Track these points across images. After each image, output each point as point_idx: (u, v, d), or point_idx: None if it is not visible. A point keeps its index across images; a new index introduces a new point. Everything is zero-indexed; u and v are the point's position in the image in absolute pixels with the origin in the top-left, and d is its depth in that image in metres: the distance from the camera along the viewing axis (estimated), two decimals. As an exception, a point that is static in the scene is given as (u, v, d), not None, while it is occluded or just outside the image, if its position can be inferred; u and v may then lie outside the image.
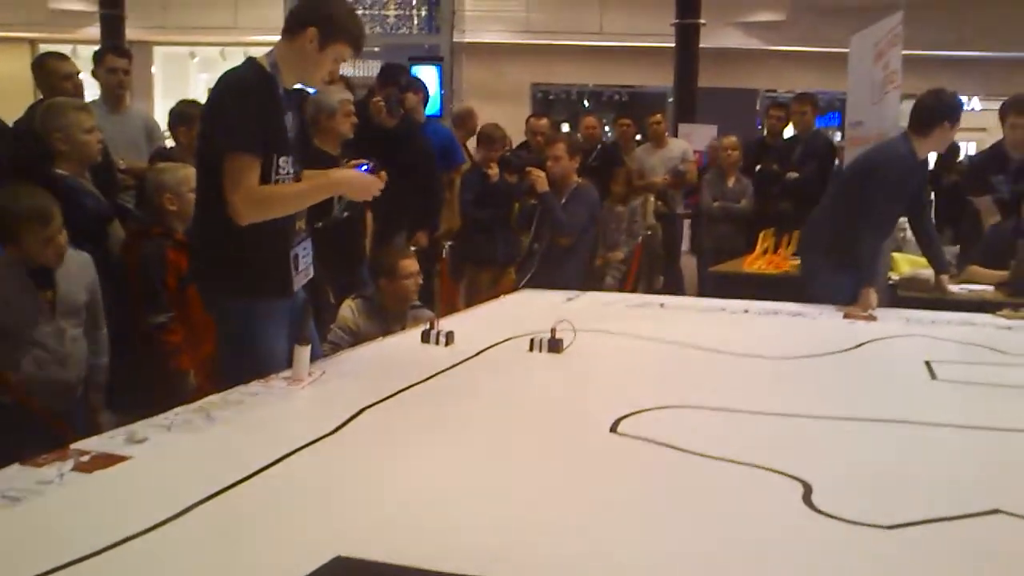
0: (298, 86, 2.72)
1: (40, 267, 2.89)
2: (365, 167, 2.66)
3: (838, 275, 3.89)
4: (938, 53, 12.81)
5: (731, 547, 1.43)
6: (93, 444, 1.82)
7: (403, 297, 3.68)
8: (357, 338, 3.48)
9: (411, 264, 3.71)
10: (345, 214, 3.83)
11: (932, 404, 2.41)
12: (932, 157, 4.48)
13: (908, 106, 4.93)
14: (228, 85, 2.52)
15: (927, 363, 2.78)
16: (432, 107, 7.07)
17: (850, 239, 3.86)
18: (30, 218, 2.83)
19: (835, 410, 2.25)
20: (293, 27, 2.54)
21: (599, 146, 7.32)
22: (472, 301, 5.04)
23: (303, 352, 2.35)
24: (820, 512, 1.57)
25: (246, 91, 2.48)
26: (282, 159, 2.54)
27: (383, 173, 2.67)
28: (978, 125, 13.75)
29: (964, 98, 17.59)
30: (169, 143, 4.79)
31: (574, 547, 1.42)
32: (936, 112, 3.92)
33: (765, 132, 7.32)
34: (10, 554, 1.34)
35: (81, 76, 4.42)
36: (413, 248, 4.64)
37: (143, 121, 4.88)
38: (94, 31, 11.81)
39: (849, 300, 3.75)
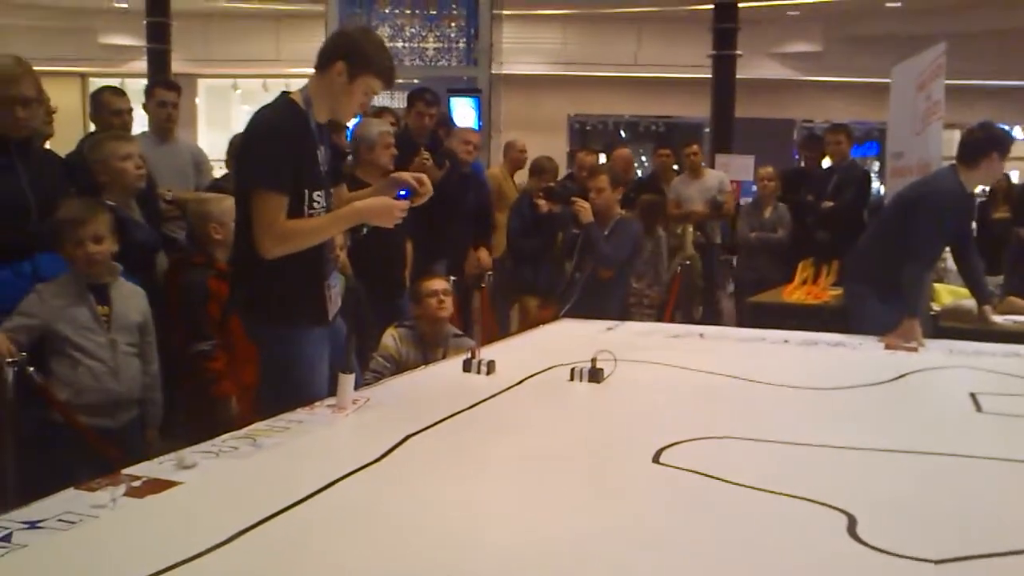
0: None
1: (98, 284, 3.03)
2: (404, 193, 2.67)
3: (883, 305, 3.89)
4: (979, 83, 12.73)
5: (776, 579, 1.43)
6: (144, 469, 1.86)
7: (431, 317, 3.66)
8: (399, 366, 3.51)
9: (434, 283, 3.72)
10: (364, 231, 3.86)
11: (978, 437, 2.38)
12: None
13: (949, 136, 4.90)
14: (260, 122, 2.58)
15: (972, 395, 2.74)
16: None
17: (896, 270, 3.84)
18: (66, 221, 2.99)
19: (879, 442, 2.23)
20: (323, 62, 2.60)
21: (635, 180, 7.38)
22: (522, 327, 5.10)
23: (347, 380, 2.38)
24: (866, 544, 1.55)
25: (277, 129, 2.54)
26: (316, 194, 2.59)
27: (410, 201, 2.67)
28: (1020, 154, 13.61)
29: (1006, 127, 17.43)
30: (219, 172, 4.91)
31: (618, 576, 1.42)
32: (984, 144, 3.91)
33: (802, 164, 7.32)
34: (68, 576, 1.38)
35: (131, 109, 4.54)
36: (453, 279, 4.69)
37: (191, 152, 4.98)
38: (141, 65, 12.10)
39: (893, 330, 3.73)
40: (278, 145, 2.51)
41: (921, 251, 3.89)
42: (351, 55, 2.56)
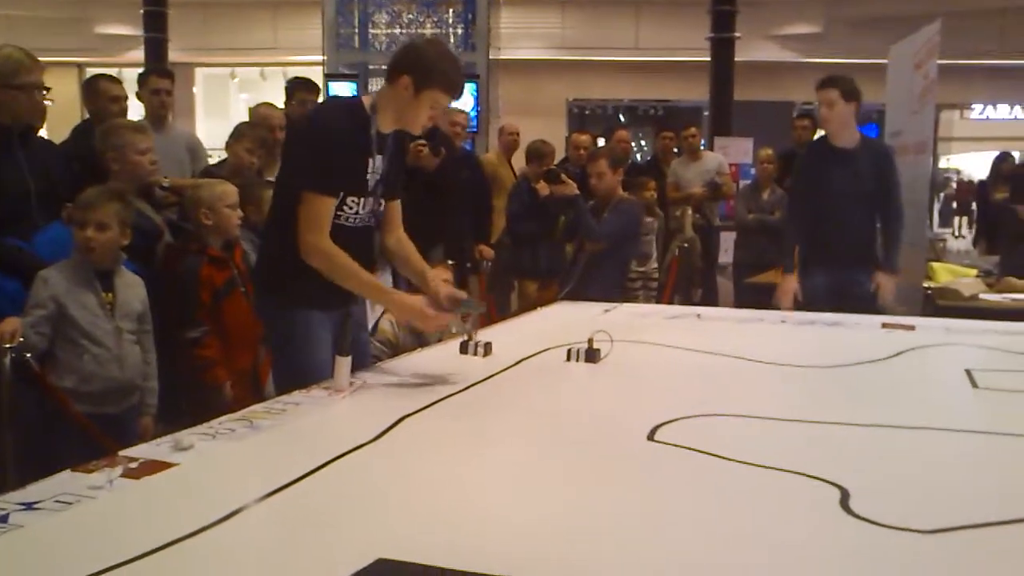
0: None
1: (102, 271, 3.07)
2: (466, 305, 2.57)
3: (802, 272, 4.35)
4: (977, 62, 12.68)
5: (768, 551, 1.44)
6: (141, 451, 1.87)
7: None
8: (397, 351, 3.52)
9: (435, 271, 3.71)
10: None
11: (972, 412, 2.39)
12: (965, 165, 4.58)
13: (946, 116, 4.89)
14: (326, 122, 2.59)
15: (968, 372, 2.75)
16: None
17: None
18: (76, 203, 3.06)
19: (873, 417, 2.24)
20: (391, 74, 2.59)
21: (629, 162, 7.41)
22: (521, 310, 5.13)
23: (343, 362, 2.39)
24: (858, 517, 1.56)
25: (341, 134, 2.54)
26: (350, 199, 2.59)
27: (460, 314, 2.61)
28: (1020, 134, 13.59)
29: (1005, 106, 17.43)
30: (216, 158, 4.91)
31: (610, 552, 1.43)
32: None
33: (795, 143, 7.33)
34: (63, 555, 1.39)
35: (127, 97, 4.53)
36: (451, 263, 4.70)
37: (186, 140, 4.97)
38: (138, 54, 12.08)
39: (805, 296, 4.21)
40: (338, 150, 2.53)
41: (789, 208, 4.52)
42: (416, 69, 2.54)
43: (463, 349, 2.87)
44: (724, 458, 1.88)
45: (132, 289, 3.18)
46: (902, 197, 4.37)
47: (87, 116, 4.47)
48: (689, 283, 6.55)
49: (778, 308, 4.03)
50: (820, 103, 4.29)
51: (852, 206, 4.24)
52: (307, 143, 2.59)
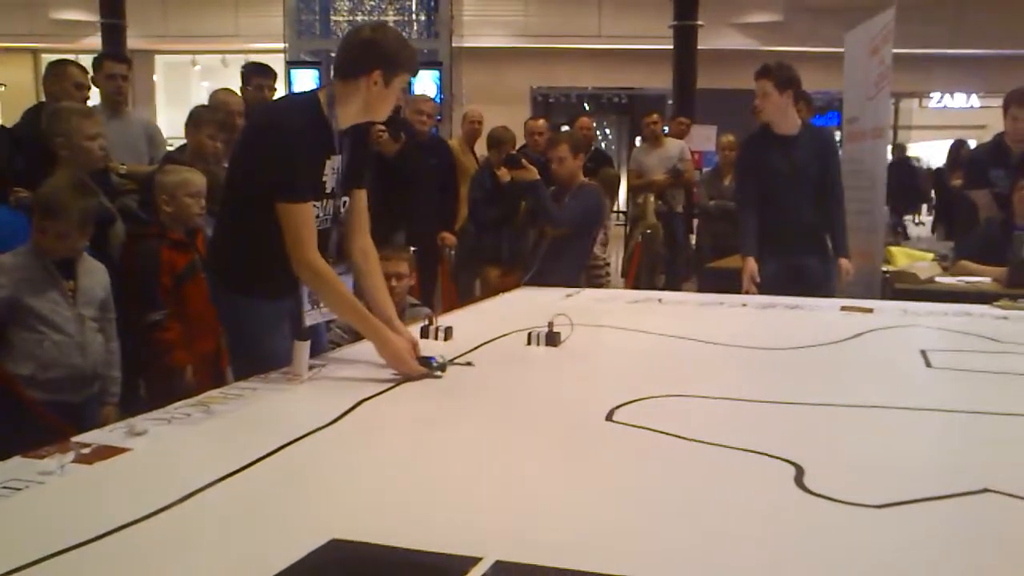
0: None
1: (63, 258, 3.01)
2: (432, 360, 2.46)
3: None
4: (935, 51, 12.84)
5: (724, 527, 1.45)
6: (94, 437, 1.85)
7: None
8: (357, 336, 3.50)
9: (392, 265, 3.60)
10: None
11: (926, 390, 2.42)
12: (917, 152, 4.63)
13: (905, 105, 4.96)
14: (283, 125, 2.50)
15: (922, 352, 2.79)
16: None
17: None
18: (39, 202, 2.99)
19: (829, 397, 2.26)
20: (354, 71, 2.51)
21: (592, 148, 7.44)
22: (484, 297, 5.12)
23: (302, 347, 2.37)
24: (812, 493, 1.58)
25: (303, 135, 2.47)
26: (315, 204, 2.53)
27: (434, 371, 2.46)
28: (977, 122, 13.79)
29: (962, 95, 17.70)
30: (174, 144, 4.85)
31: (569, 531, 1.43)
32: None
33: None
34: (12, 540, 1.36)
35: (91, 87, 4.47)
36: (413, 249, 4.68)
37: (144, 126, 4.92)
38: (95, 41, 11.87)
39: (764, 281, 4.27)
40: (304, 154, 2.47)
41: (739, 196, 4.64)
42: (385, 62, 2.50)
43: (424, 333, 2.86)
44: (681, 437, 1.89)
45: (94, 276, 3.13)
46: (843, 181, 4.49)
47: (42, 100, 4.41)
48: (652, 270, 6.59)
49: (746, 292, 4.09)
50: (756, 93, 4.35)
51: (796, 191, 4.30)
52: (270, 148, 2.48)
